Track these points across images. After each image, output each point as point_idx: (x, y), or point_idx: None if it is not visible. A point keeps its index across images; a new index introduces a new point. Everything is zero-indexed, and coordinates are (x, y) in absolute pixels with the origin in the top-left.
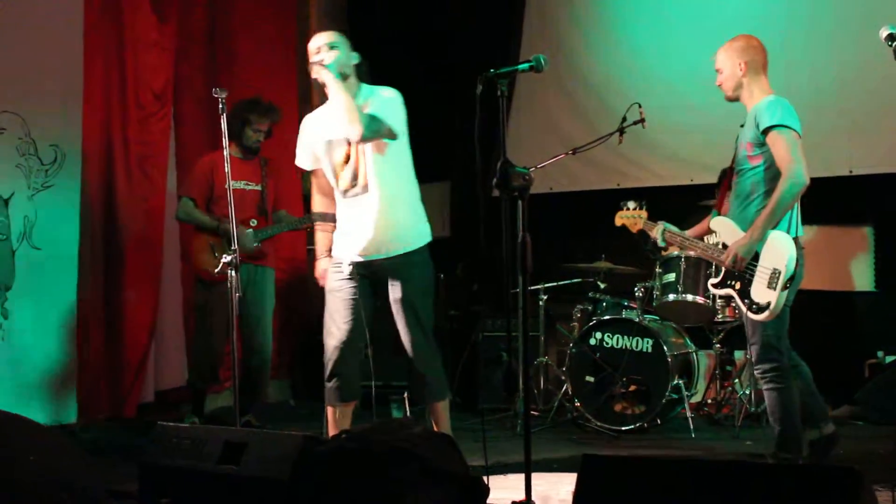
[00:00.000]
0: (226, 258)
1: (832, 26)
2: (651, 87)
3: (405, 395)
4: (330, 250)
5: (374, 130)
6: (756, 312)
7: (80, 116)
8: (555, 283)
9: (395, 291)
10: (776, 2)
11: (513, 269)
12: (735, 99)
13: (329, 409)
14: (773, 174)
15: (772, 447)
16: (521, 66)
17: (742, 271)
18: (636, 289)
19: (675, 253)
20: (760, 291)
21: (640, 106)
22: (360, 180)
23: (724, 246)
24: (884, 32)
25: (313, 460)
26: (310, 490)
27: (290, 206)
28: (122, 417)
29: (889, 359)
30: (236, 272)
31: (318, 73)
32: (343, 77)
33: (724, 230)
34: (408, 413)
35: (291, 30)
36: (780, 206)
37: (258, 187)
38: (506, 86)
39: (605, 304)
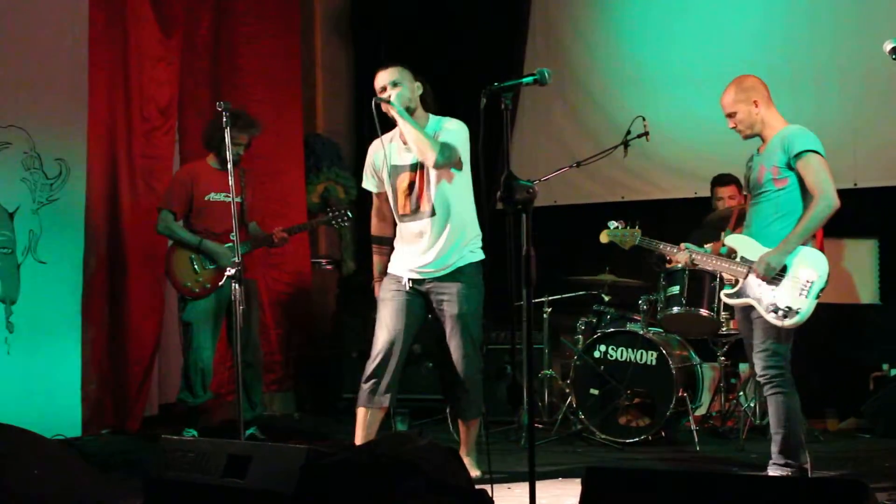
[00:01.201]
0: (229, 271)
1: (834, 39)
2: (655, 100)
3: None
4: (384, 272)
5: (447, 157)
6: (784, 318)
7: (84, 131)
8: (559, 296)
9: (449, 307)
10: (778, 16)
11: (517, 282)
12: (752, 136)
13: (360, 411)
14: (796, 196)
15: (776, 456)
16: (525, 80)
17: (767, 282)
18: (640, 301)
19: (680, 265)
20: (790, 298)
21: (644, 119)
22: (425, 205)
23: (744, 259)
24: (888, 46)
25: (318, 473)
26: (315, 503)
27: (270, 216)
28: (127, 431)
29: (894, 371)
30: (240, 285)
31: (386, 110)
32: (410, 111)
33: (744, 246)
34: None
35: (295, 43)
36: (811, 224)
37: (238, 199)
38: (510, 99)
39: (609, 316)
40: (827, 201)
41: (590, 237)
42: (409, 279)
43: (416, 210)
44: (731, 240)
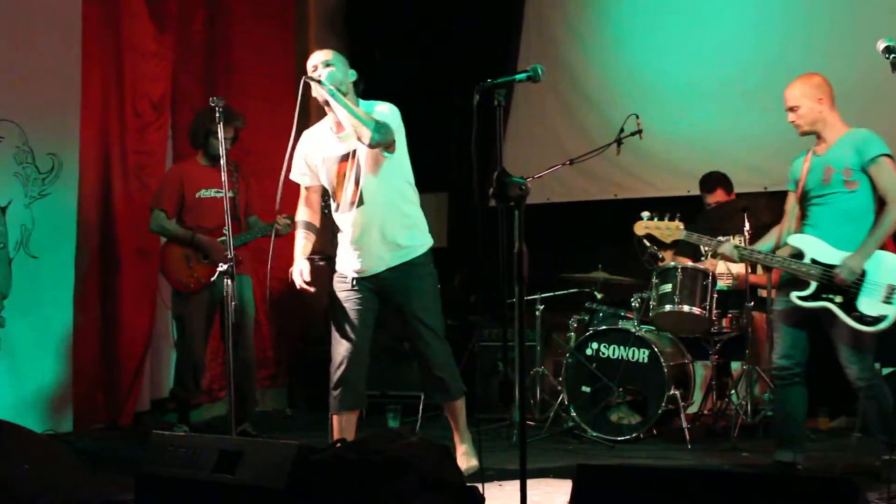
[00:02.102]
0: (222, 267)
1: (829, 38)
2: (648, 98)
3: (423, 400)
4: (308, 253)
5: (383, 134)
6: (870, 325)
7: (77, 125)
8: (551, 294)
9: (403, 302)
10: (773, 16)
11: (509, 280)
12: (810, 133)
13: (334, 418)
14: (868, 199)
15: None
16: (518, 77)
17: (847, 286)
18: (633, 299)
19: (672, 263)
20: (873, 306)
21: (637, 117)
22: (356, 196)
23: (815, 261)
24: (881, 45)
25: (309, 469)
26: (305, 499)
27: (262, 213)
28: (118, 426)
29: (885, 370)
30: (232, 280)
31: (315, 90)
32: (341, 94)
33: (813, 247)
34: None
35: (289, 40)
36: (889, 229)
37: (230, 194)
38: (503, 96)
39: (601, 314)
40: None
41: (583, 235)
42: (352, 278)
43: (348, 200)
44: (798, 240)
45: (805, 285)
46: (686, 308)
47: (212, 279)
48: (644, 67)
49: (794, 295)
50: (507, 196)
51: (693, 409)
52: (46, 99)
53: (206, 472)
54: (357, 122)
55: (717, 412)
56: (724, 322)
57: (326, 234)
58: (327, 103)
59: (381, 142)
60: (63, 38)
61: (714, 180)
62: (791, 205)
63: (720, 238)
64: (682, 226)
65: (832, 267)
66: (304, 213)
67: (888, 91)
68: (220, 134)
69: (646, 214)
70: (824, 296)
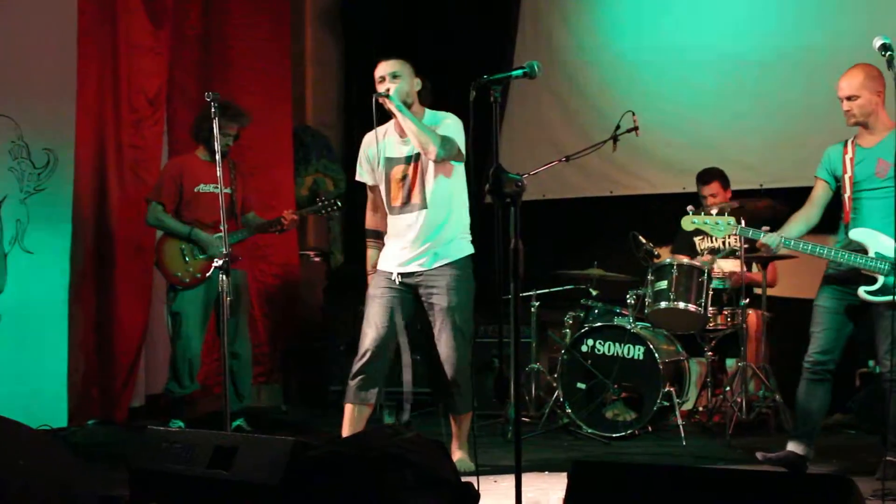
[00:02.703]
0: (217, 262)
1: (824, 38)
2: (645, 95)
3: (420, 398)
4: (377, 265)
5: (448, 150)
6: None
7: (73, 120)
8: (547, 290)
9: (438, 300)
10: (769, 10)
11: (505, 276)
12: (860, 124)
13: (347, 407)
14: None
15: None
16: (514, 73)
17: None
18: (628, 296)
19: (668, 260)
20: None
21: (633, 114)
22: (416, 198)
23: (880, 255)
24: (877, 42)
25: (304, 465)
26: (301, 495)
27: (258, 208)
28: (114, 421)
29: (879, 368)
30: (227, 276)
31: (384, 103)
32: (407, 106)
33: (875, 240)
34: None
35: (285, 34)
36: None
37: (227, 190)
38: (499, 92)
39: (596, 310)
40: None
41: (578, 231)
42: (398, 273)
43: (407, 202)
44: (861, 234)
45: (870, 280)
46: (681, 305)
47: (207, 274)
48: (640, 64)
49: (862, 290)
50: (503, 192)
51: (688, 406)
52: (42, 94)
53: (201, 468)
54: (423, 137)
55: (712, 409)
56: (720, 319)
57: (322, 229)
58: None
59: (445, 157)
60: (59, 32)
61: (711, 173)
62: (820, 193)
63: (765, 228)
64: (733, 220)
65: None
66: (372, 220)
67: (888, 92)
68: (216, 129)
69: (691, 209)
70: (892, 290)
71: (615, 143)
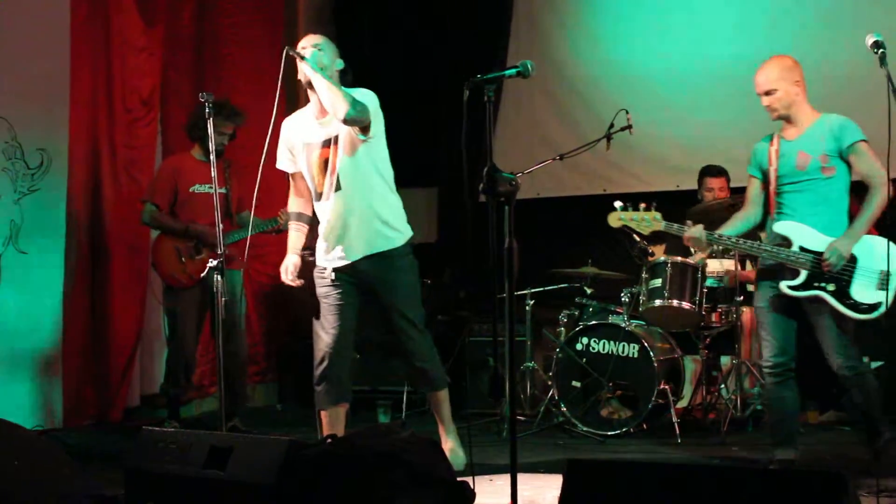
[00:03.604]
0: (212, 263)
1: (819, 33)
2: (638, 93)
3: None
4: (301, 249)
5: (360, 111)
6: (865, 312)
7: (66, 120)
8: (541, 288)
9: (383, 294)
10: (762, 9)
11: (499, 275)
12: (784, 118)
13: (322, 414)
14: (844, 185)
15: (877, 448)
16: (508, 72)
17: (837, 272)
18: (623, 294)
19: (662, 258)
20: (866, 292)
21: (627, 112)
22: (333, 183)
23: (804, 249)
24: (869, 40)
25: (299, 465)
26: (296, 494)
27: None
28: (108, 422)
29: (874, 364)
30: (222, 276)
31: (299, 69)
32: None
33: (801, 234)
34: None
35: (278, 34)
36: (876, 212)
37: (222, 190)
38: (493, 91)
39: (591, 309)
40: (885, 188)
41: (573, 230)
42: (332, 269)
43: (327, 189)
44: (784, 227)
45: (794, 274)
46: (676, 303)
47: (203, 274)
48: (634, 63)
49: (784, 285)
50: (497, 191)
51: (683, 404)
52: (35, 94)
53: (196, 468)
54: (334, 95)
55: (707, 406)
56: (714, 317)
57: (316, 229)
58: (310, 85)
59: (356, 117)
60: (52, 32)
61: (720, 168)
62: (754, 191)
63: (687, 222)
64: (660, 216)
65: (822, 254)
66: (295, 204)
67: (877, 84)
68: (210, 128)
69: (619, 204)
70: (816, 284)
71: (609, 142)
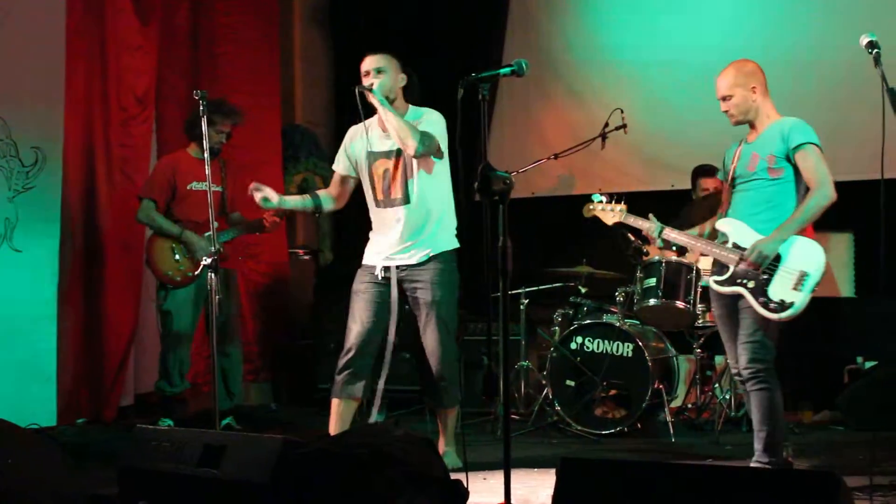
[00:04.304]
0: (206, 261)
1: (812, 32)
2: (633, 92)
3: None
4: (295, 200)
5: (428, 146)
6: (776, 311)
7: (61, 118)
8: (536, 287)
9: (423, 294)
10: (758, 10)
11: (494, 273)
12: (743, 123)
13: (334, 402)
14: (790, 188)
15: (760, 454)
16: (502, 71)
17: (758, 271)
18: (617, 293)
19: (657, 257)
20: (783, 291)
21: (622, 111)
22: (398, 192)
23: (736, 246)
24: (864, 40)
25: (294, 464)
26: (290, 493)
27: (247, 208)
28: (102, 420)
29: (868, 364)
30: (216, 275)
31: (367, 96)
32: (390, 101)
33: (737, 231)
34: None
35: (274, 32)
36: (806, 215)
37: (219, 188)
38: (487, 90)
39: (585, 308)
40: (825, 192)
41: (567, 229)
42: (381, 267)
43: (389, 197)
44: (723, 224)
45: (724, 270)
46: (670, 302)
47: (197, 273)
48: (628, 62)
49: (711, 279)
50: (491, 190)
51: (677, 403)
52: (30, 92)
53: (190, 467)
54: (403, 133)
55: (701, 406)
56: (708, 316)
57: (311, 227)
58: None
59: (424, 153)
60: (47, 31)
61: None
62: (725, 194)
63: (650, 216)
64: (625, 208)
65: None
66: (321, 192)
67: (871, 84)
68: (204, 126)
69: (596, 196)
70: (739, 280)
71: (604, 141)
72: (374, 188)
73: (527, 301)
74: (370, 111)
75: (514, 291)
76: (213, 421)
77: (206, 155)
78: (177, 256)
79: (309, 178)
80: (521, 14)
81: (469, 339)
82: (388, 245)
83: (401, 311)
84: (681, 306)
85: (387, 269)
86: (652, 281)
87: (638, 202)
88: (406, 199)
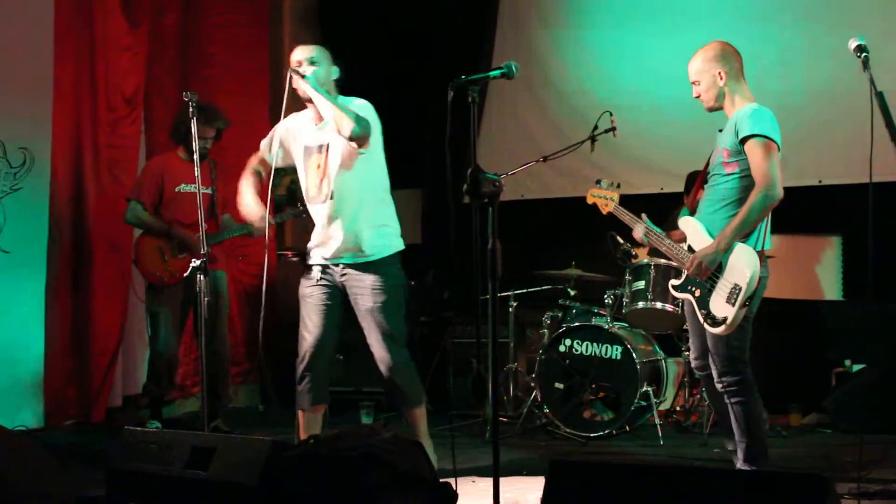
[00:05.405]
0: (194, 262)
1: (802, 35)
2: (622, 95)
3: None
4: (280, 196)
5: (364, 127)
6: (712, 325)
7: (49, 119)
8: (525, 290)
9: (363, 301)
10: (748, 11)
11: (483, 276)
12: (716, 109)
13: (299, 413)
14: (747, 184)
15: (742, 465)
16: (492, 73)
17: (703, 280)
18: (606, 296)
19: (645, 260)
20: (719, 305)
21: (611, 114)
22: (325, 189)
23: (691, 249)
24: (852, 44)
25: (282, 465)
26: (278, 495)
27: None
28: (90, 422)
29: (856, 367)
30: (205, 276)
31: (297, 84)
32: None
33: (693, 233)
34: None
35: (264, 34)
36: (749, 217)
37: (208, 190)
38: (477, 93)
39: (574, 310)
40: (767, 191)
41: (556, 231)
42: (319, 267)
43: (320, 193)
44: (685, 223)
45: (681, 273)
46: (659, 305)
47: (186, 274)
48: (618, 65)
49: (671, 283)
50: (480, 193)
51: (665, 406)
52: (18, 93)
53: (178, 468)
54: (340, 113)
55: (689, 409)
56: None
57: (299, 230)
58: (310, 99)
59: (360, 134)
60: (35, 31)
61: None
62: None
63: (643, 215)
64: (617, 197)
65: None
66: (245, 177)
67: (859, 87)
68: (194, 128)
69: (604, 182)
70: (689, 287)
71: (593, 144)
72: (307, 184)
73: (516, 303)
74: (298, 106)
75: (503, 294)
76: (201, 423)
77: (195, 157)
78: (165, 257)
79: (297, 180)
80: (511, 16)
81: (458, 342)
82: (320, 244)
83: (341, 314)
84: (669, 309)
85: (324, 268)
86: (641, 284)
87: (628, 205)
88: (330, 196)
